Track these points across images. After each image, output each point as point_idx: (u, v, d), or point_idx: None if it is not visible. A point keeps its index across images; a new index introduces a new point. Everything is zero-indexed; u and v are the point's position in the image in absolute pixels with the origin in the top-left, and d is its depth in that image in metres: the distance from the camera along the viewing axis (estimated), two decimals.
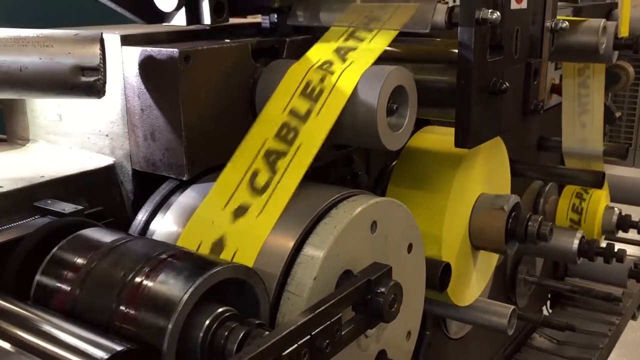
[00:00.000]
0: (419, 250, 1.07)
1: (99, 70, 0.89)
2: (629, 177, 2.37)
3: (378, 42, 1.07)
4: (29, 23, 0.98)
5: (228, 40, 1.07)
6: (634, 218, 2.08)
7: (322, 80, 1.02)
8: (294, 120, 1.00)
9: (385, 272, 0.89)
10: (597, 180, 1.77)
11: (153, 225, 1.00)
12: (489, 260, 1.47)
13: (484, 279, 1.46)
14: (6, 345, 0.72)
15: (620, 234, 2.17)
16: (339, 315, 0.80)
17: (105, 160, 1.08)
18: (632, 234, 2.23)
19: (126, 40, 1.02)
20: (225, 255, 0.90)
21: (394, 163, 1.37)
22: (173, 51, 0.96)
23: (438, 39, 1.29)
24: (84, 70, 0.88)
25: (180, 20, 1.08)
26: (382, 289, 0.86)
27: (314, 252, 0.87)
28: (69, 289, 0.81)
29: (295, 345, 0.73)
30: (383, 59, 1.05)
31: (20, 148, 1.19)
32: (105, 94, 0.92)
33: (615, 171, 2.35)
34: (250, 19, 1.30)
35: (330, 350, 0.77)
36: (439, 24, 1.08)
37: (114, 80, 1.02)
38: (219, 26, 1.11)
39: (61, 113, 1.13)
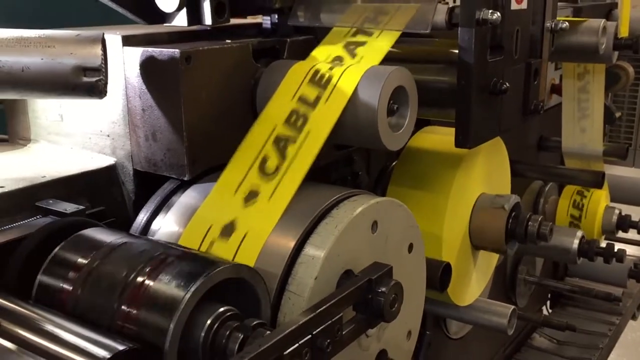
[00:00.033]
0: (419, 250, 1.07)
1: (101, 70, 0.90)
2: (629, 177, 2.38)
3: (383, 42, 1.08)
4: (29, 23, 0.98)
5: (229, 41, 1.07)
6: (634, 218, 2.09)
7: (330, 69, 1.03)
8: (303, 107, 1.00)
9: (386, 272, 0.89)
10: (597, 180, 1.77)
11: (154, 225, 1.00)
12: (489, 260, 1.47)
13: (484, 279, 1.46)
14: (8, 345, 0.72)
15: (620, 234, 2.17)
16: (340, 315, 0.80)
17: (107, 161, 1.08)
18: (632, 234, 2.23)
19: (127, 41, 1.02)
20: (235, 239, 0.90)
21: (394, 163, 1.38)
22: (174, 52, 0.96)
23: (438, 40, 1.29)
24: (85, 70, 0.89)
25: (181, 20, 1.08)
26: (383, 289, 0.87)
27: (315, 252, 0.87)
28: (70, 288, 0.81)
29: (297, 344, 0.73)
30: (384, 59, 1.05)
31: (22, 148, 1.19)
32: (107, 94, 0.92)
33: (615, 171, 2.35)
34: (250, 20, 1.30)
35: (331, 349, 0.78)
36: (440, 25, 1.09)
37: (115, 81, 1.02)
38: (220, 27, 1.11)
39: (62, 113, 1.13)
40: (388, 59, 1.07)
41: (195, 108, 1.00)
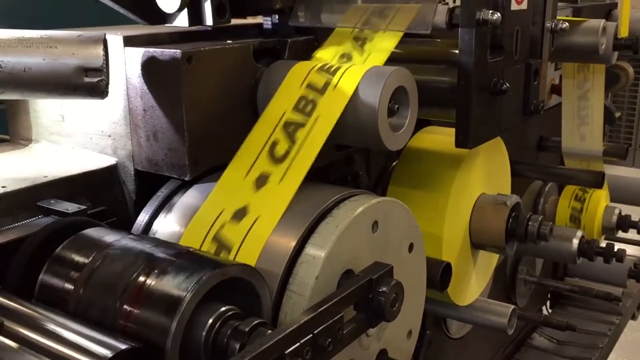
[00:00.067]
0: (419, 250, 1.07)
1: (102, 71, 0.90)
2: (629, 177, 2.38)
3: (385, 42, 1.08)
4: (29, 23, 0.99)
5: (230, 41, 1.07)
6: (634, 218, 2.09)
7: (337, 64, 1.05)
8: (312, 93, 1.01)
9: (387, 272, 0.89)
10: (597, 180, 1.78)
11: (155, 225, 1.01)
12: (489, 260, 1.47)
13: (484, 279, 1.46)
14: (11, 344, 0.72)
15: (620, 234, 2.17)
16: (341, 314, 0.81)
17: (108, 161, 1.08)
18: (632, 234, 2.23)
19: (129, 41, 1.03)
20: (247, 222, 0.91)
21: (394, 163, 1.38)
22: (175, 52, 0.97)
23: (439, 40, 1.29)
24: (87, 71, 0.89)
25: (182, 21, 1.08)
26: (384, 288, 0.87)
27: (315, 251, 0.88)
28: (72, 288, 0.82)
29: (298, 343, 0.73)
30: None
31: (23, 148, 1.20)
32: (108, 94, 0.93)
33: (615, 171, 2.35)
34: (250, 20, 1.31)
35: (332, 348, 0.78)
36: (440, 25, 1.09)
37: (117, 81, 1.03)
38: (221, 27, 1.12)
39: (64, 113, 1.14)
40: (389, 59, 1.08)
41: (197, 108, 1.00)
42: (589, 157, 1.97)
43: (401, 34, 1.09)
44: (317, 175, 1.04)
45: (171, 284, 0.76)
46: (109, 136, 1.08)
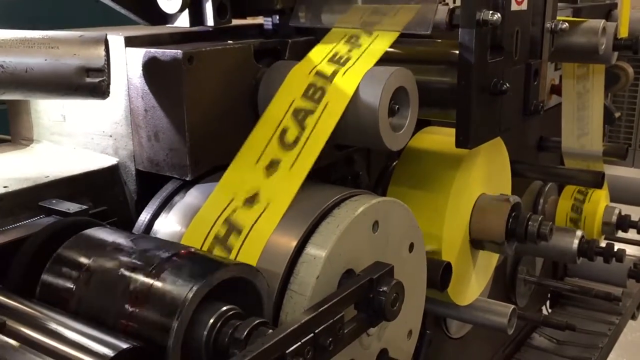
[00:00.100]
0: (420, 249, 1.07)
1: (104, 71, 0.90)
2: (629, 177, 2.38)
3: (379, 44, 1.08)
4: (29, 23, 0.99)
5: (231, 42, 1.08)
6: (634, 218, 2.09)
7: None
8: (321, 81, 1.02)
9: (387, 272, 0.90)
10: (597, 180, 1.78)
11: (156, 225, 1.01)
12: (489, 260, 1.48)
13: (484, 279, 1.46)
14: (13, 343, 0.73)
15: (620, 234, 2.17)
16: (342, 314, 0.81)
17: (109, 161, 1.08)
18: (632, 234, 2.23)
19: (130, 42, 1.03)
20: (258, 208, 0.93)
21: (394, 163, 1.38)
22: (177, 52, 0.97)
23: (439, 40, 1.29)
24: (88, 71, 0.89)
25: (183, 21, 1.08)
26: (384, 288, 0.87)
27: (316, 251, 0.88)
28: (74, 287, 0.82)
29: (299, 343, 0.73)
30: (384, 60, 1.06)
31: (25, 148, 1.20)
32: (109, 94, 0.93)
33: (615, 171, 2.35)
34: (250, 20, 1.31)
35: (333, 348, 0.78)
36: (440, 25, 1.09)
37: (118, 81, 1.03)
38: (222, 27, 1.12)
39: (65, 114, 1.14)
40: (389, 60, 1.08)
41: (198, 108, 1.00)
42: (588, 157, 1.97)
43: (394, 37, 1.09)
44: (318, 175, 1.04)
45: (173, 284, 0.76)
46: (110, 136, 1.09)
